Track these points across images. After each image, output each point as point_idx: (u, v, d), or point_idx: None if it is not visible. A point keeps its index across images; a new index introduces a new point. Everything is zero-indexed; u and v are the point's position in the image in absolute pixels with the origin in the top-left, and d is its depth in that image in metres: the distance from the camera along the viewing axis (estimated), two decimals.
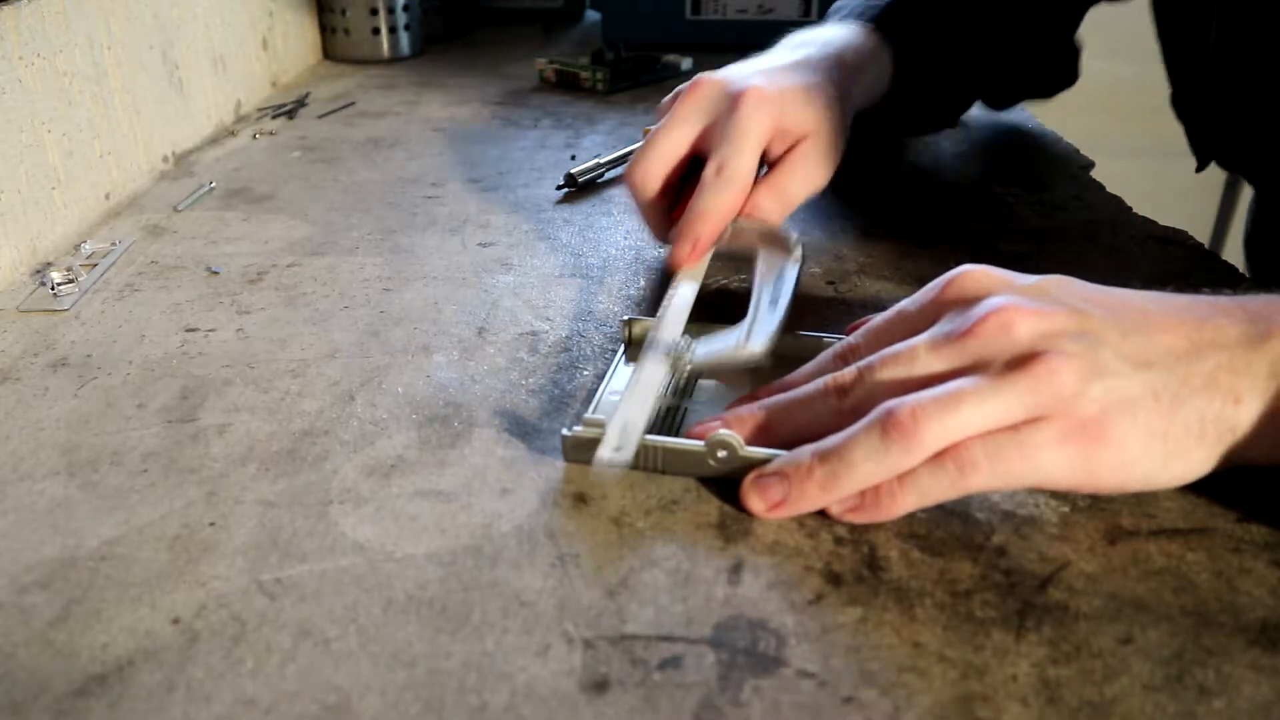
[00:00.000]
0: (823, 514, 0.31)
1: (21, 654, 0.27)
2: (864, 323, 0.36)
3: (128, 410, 0.38)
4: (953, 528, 0.31)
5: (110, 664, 0.26)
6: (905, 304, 0.34)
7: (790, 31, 0.55)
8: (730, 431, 0.32)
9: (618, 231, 0.54)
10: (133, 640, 0.27)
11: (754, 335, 0.36)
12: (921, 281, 0.34)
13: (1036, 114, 0.74)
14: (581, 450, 0.33)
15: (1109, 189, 0.59)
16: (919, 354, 0.31)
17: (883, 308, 0.36)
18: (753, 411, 0.33)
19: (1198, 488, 0.31)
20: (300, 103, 0.80)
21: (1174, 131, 0.59)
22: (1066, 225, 0.54)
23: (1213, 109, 0.54)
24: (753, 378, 0.37)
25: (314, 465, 0.34)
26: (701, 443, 0.32)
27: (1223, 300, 0.31)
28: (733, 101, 0.44)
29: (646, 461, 0.33)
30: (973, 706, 0.25)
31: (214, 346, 0.42)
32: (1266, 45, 0.48)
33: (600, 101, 0.81)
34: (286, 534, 0.31)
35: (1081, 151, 0.66)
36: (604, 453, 0.32)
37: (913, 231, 0.53)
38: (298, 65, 0.90)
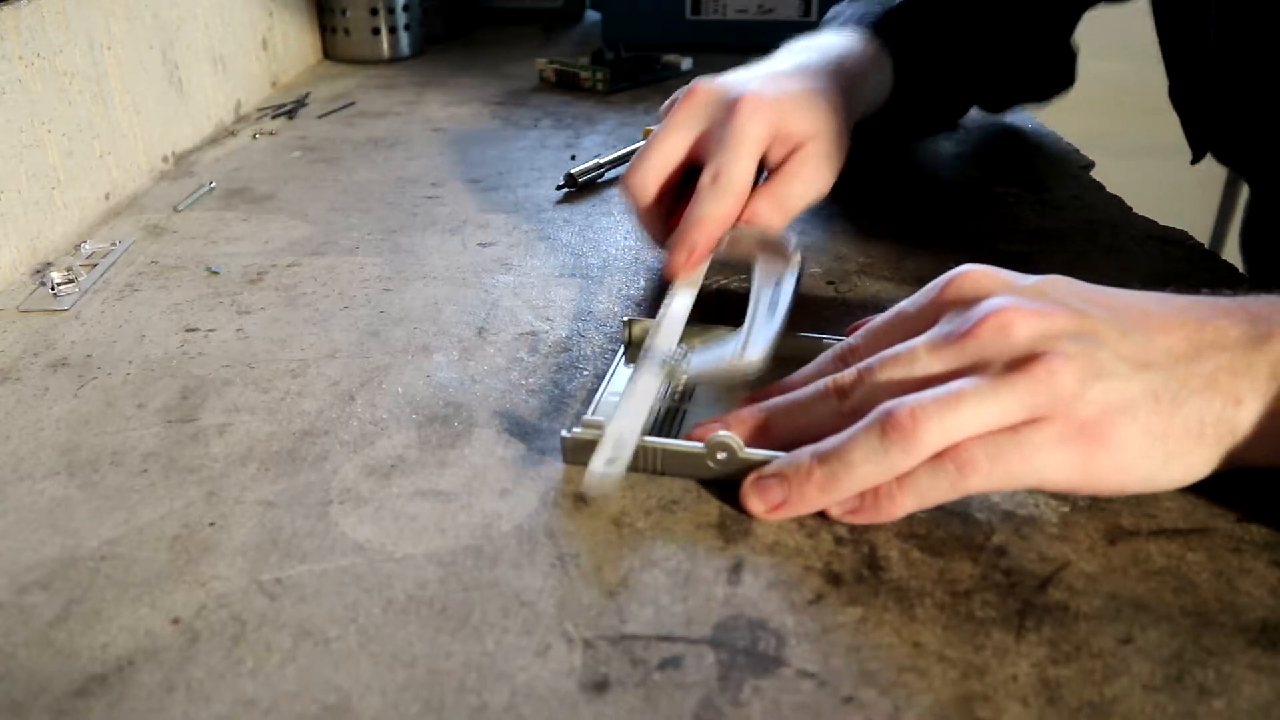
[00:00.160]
0: (823, 514, 0.31)
1: (21, 654, 0.27)
2: (864, 323, 0.36)
3: (128, 410, 0.38)
4: (953, 528, 0.31)
5: (110, 664, 0.26)
6: (905, 305, 0.34)
7: (790, 37, 0.55)
8: (730, 433, 0.32)
9: (618, 231, 0.54)
10: (133, 640, 0.27)
11: (751, 346, 0.36)
12: (921, 281, 0.34)
13: (1036, 114, 0.74)
14: (581, 452, 0.33)
15: (1109, 189, 0.59)
16: (918, 355, 0.31)
17: (883, 308, 0.36)
18: (752, 413, 0.33)
19: (1198, 488, 0.31)
20: (300, 103, 0.80)
21: (1174, 132, 0.59)
22: (1066, 225, 0.54)
23: (1210, 101, 0.54)
24: (752, 379, 0.37)
25: (314, 465, 0.34)
26: (701, 444, 0.32)
27: (1223, 301, 0.31)
28: (730, 107, 0.44)
29: (646, 463, 0.33)
30: (973, 706, 0.25)
31: (214, 346, 0.42)
32: (1264, 37, 0.48)
33: (600, 101, 0.81)
34: (286, 534, 0.31)
35: (1081, 151, 0.66)
36: (596, 466, 0.31)
37: (913, 231, 0.53)
38: (298, 65, 0.90)
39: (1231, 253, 0.67)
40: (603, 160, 0.62)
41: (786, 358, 0.37)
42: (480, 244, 0.53)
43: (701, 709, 0.25)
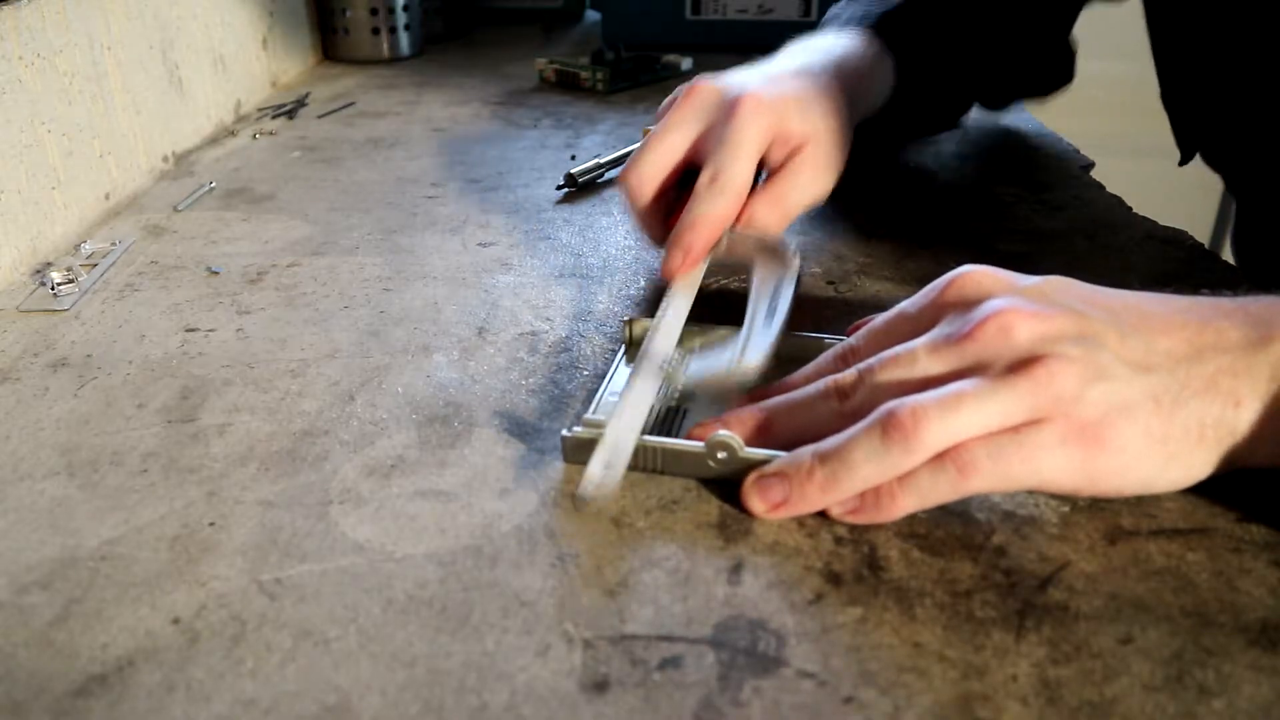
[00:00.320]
0: (823, 514, 0.31)
1: (21, 654, 0.27)
2: (864, 324, 0.36)
3: (128, 410, 0.38)
4: (953, 528, 0.31)
5: (110, 664, 0.26)
6: (905, 305, 0.34)
7: (790, 37, 0.55)
8: (730, 432, 0.32)
9: (618, 231, 0.54)
10: (133, 640, 0.27)
11: (749, 352, 0.36)
12: (922, 281, 0.34)
13: (1036, 114, 0.74)
14: (581, 451, 0.33)
15: (1109, 189, 0.59)
16: (919, 356, 0.31)
17: (883, 308, 0.36)
18: (752, 412, 0.33)
19: (1198, 488, 0.31)
20: (300, 103, 0.80)
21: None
22: (1066, 225, 0.54)
23: (1200, 103, 0.54)
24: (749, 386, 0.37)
25: (314, 465, 0.34)
26: (701, 444, 0.32)
27: (1223, 302, 0.31)
28: (729, 107, 0.43)
29: (646, 462, 0.33)
30: (973, 706, 0.25)
31: (214, 346, 0.42)
32: (1255, 40, 0.48)
33: (600, 101, 0.81)
34: (286, 534, 0.31)
35: (1081, 151, 0.66)
36: (591, 475, 0.31)
37: (913, 231, 0.53)
38: (298, 65, 0.90)
39: (1231, 253, 0.67)
40: (603, 160, 0.62)
41: (786, 358, 0.37)
42: (480, 244, 0.53)
43: (701, 709, 0.25)
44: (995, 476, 0.29)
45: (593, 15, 1.17)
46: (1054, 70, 0.66)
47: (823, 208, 0.47)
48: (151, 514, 0.32)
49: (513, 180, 0.62)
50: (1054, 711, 0.24)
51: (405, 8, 0.93)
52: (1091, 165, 0.63)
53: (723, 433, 0.32)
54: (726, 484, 0.32)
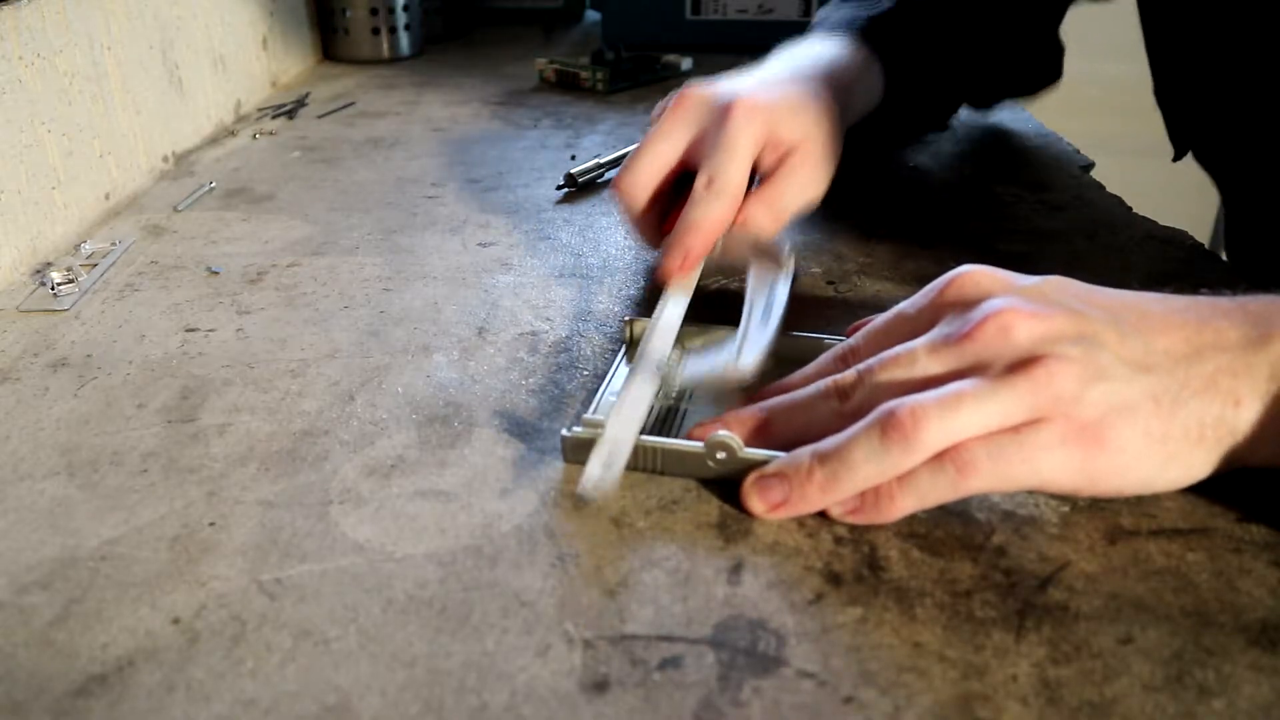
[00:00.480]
0: (823, 514, 0.31)
1: (21, 654, 0.27)
2: (864, 324, 0.36)
3: (128, 410, 0.38)
4: (953, 528, 0.31)
5: (110, 664, 0.26)
6: (905, 305, 0.34)
7: (789, 37, 0.55)
8: (729, 433, 0.32)
9: (618, 231, 0.54)
10: (133, 640, 0.27)
11: (744, 354, 0.36)
12: (922, 281, 0.34)
13: (1036, 114, 0.74)
14: (581, 450, 0.33)
15: (1109, 189, 0.59)
16: (918, 357, 0.31)
17: (883, 308, 0.36)
18: (752, 413, 0.33)
19: (1198, 488, 0.31)
20: (300, 103, 0.80)
21: None
22: (1066, 225, 0.54)
23: (1192, 99, 0.54)
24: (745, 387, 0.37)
25: (314, 465, 0.34)
26: (700, 444, 0.32)
27: (1223, 301, 0.31)
28: (722, 112, 0.43)
29: (646, 463, 0.33)
30: (973, 706, 0.25)
31: (214, 346, 0.42)
32: (1249, 36, 0.48)
33: (600, 101, 0.81)
34: (286, 534, 0.31)
35: (1081, 151, 0.66)
36: (588, 477, 0.31)
37: (913, 231, 0.53)
38: (298, 65, 0.90)
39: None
40: (603, 160, 0.62)
41: (786, 358, 0.37)
42: (480, 244, 0.53)
43: (701, 709, 0.25)
44: (995, 476, 0.29)
45: (593, 15, 1.17)
46: (1042, 69, 0.66)
47: (823, 208, 0.48)
48: (151, 514, 0.32)
49: (513, 180, 0.62)
50: (1054, 711, 0.24)
51: (405, 8, 0.93)
52: (1091, 165, 0.63)
53: (722, 433, 0.32)
54: (726, 484, 0.32)
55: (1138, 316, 0.31)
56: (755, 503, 0.31)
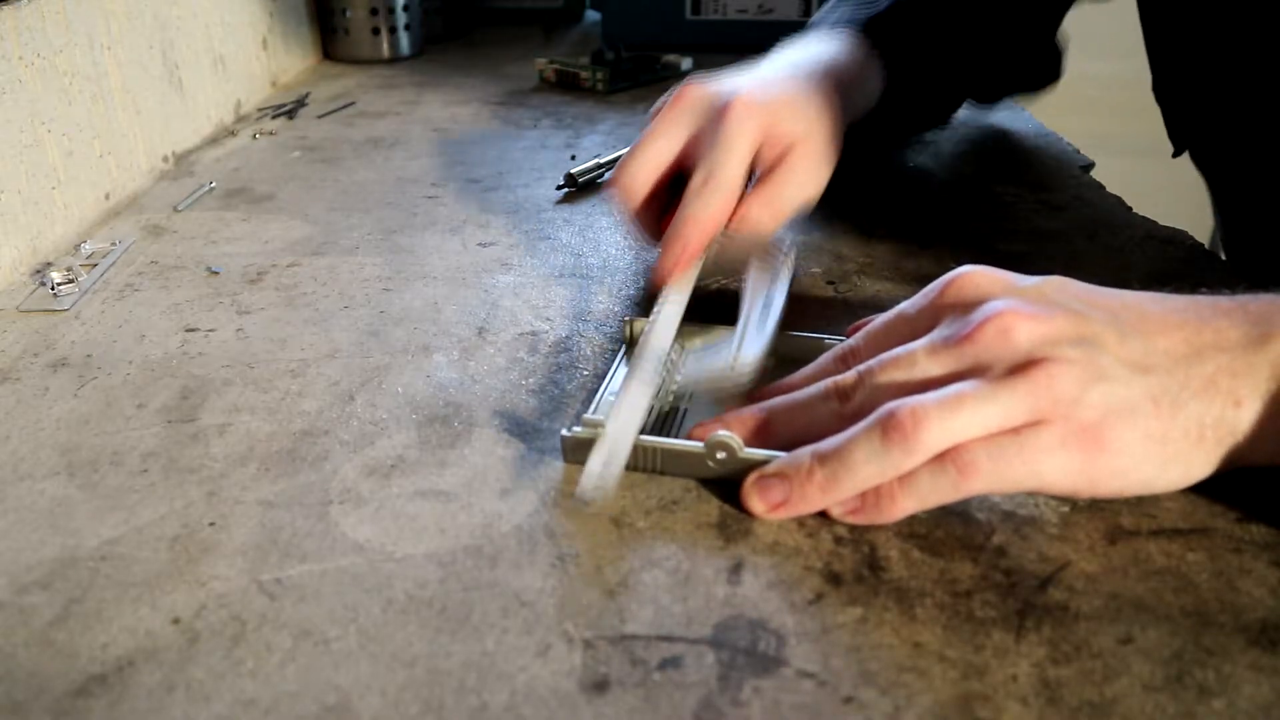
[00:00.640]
0: (823, 514, 0.31)
1: (21, 654, 0.27)
2: (863, 325, 0.36)
3: (128, 410, 0.38)
4: (953, 528, 0.31)
5: (110, 664, 0.26)
6: (904, 306, 0.34)
7: (789, 37, 0.55)
8: (729, 433, 0.32)
9: (618, 231, 0.54)
10: (133, 640, 0.27)
11: (743, 353, 0.36)
12: (922, 281, 0.34)
13: (1036, 114, 0.74)
14: (581, 450, 0.33)
15: (1109, 189, 0.59)
16: (918, 358, 0.31)
17: (883, 308, 0.36)
18: (752, 413, 0.33)
19: (1198, 488, 0.31)
20: (300, 103, 0.80)
21: None
22: (1066, 225, 0.54)
23: (1192, 95, 0.54)
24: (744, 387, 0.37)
25: (314, 465, 0.34)
26: (701, 444, 0.32)
27: (1223, 301, 0.31)
28: (721, 109, 0.43)
29: (645, 463, 0.33)
30: (973, 706, 0.25)
31: (214, 346, 0.42)
32: (1250, 30, 0.48)
33: (600, 101, 0.81)
34: (286, 534, 0.31)
35: (1081, 151, 0.66)
36: (587, 478, 0.31)
37: (913, 231, 0.53)
38: (298, 65, 0.90)
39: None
40: (603, 160, 0.62)
41: (786, 358, 0.37)
42: (480, 244, 0.53)
43: (701, 709, 0.25)
44: (995, 478, 0.29)
45: (593, 15, 1.17)
46: (1043, 67, 0.66)
47: (823, 208, 0.48)
48: (151, 514, 0.32)
49: (513, 180, 0.62)
50: (1054, 711, 0.24)
51: (405, 8, 0.93)
52: (1091, 165, 0.63)
53: (722, 433, 0.32)
54: (726, 484, 0.32)
55: (1137, 317, 0.31)
56: (755, 503, 0.31)
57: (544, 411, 0.37)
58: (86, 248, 0.51)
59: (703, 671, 0.26)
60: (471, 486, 0.33)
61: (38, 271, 0.49)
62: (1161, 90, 0.57)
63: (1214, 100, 0.52)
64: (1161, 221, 0.54)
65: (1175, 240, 0.52)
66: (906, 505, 0.30)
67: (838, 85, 0.49)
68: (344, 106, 0.79)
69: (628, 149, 0.46)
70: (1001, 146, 0.68)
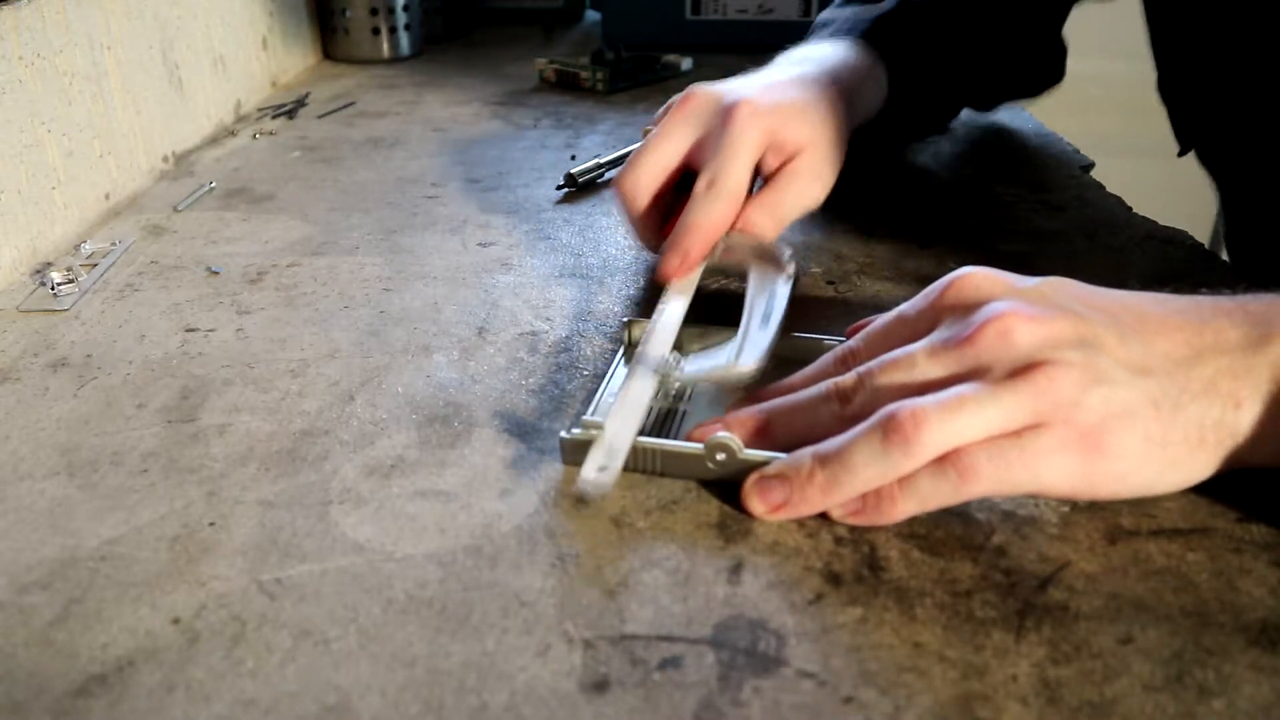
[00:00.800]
0: (823, 514, 0.31)
1: (21, 654, 0.27)
2: (863, 326, 0.36)
3: (128, 410, 0.38)
4: (953, 528, 0.31)
5: (110, 664, 0.26)
6: (905, 308, 0.34)
7: (790, 37, 0.55)
8: (729, 434, 0.32)
9: (618, 231, 0.54)
10: (133, 640, 0.27)
11: (744, 354, 0.36)
12: (922, 282, 0.34)
13: (1037, 114, 0.74)
14: (580, 452, 0.33)
15: (1109, 189, 0.59)
16: (919, 360, 0.31)
17: (883, 308, 0.36)
18: (752, 414, 0.33)
19: (1198, 488, 0.31)
20: (300, 103, 0.80)
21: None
22: (1066, 225, 0.54)
23: (1198, 93, 0.54)
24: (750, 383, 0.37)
25: (314, 465, 0.34)
26: (701, 445, 0.32)
27: (1222, 302, 0.31)
28: (726, 114, 0.44)
29: (645, 464, 0.33)
30: (973, 706, 0.25)
31: (214, 346, 0.42)
32: (1255, 27, 0.48)
33: (600, 101, 0.81)
34: (286, 534, 0.31)
35: (1081, 151, 0.66)
36: (588, 473, 0.31)
37: (913, 231, 0.53)
38: (298, 65, 0.90)
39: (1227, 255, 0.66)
40: (603, 160, 0.62)
41: (786, 359, 0.37)
42: (480, 244, 0.53)
43: (701, 709, 0.25)
44: (996, 480, 0.29)
45: (593, 15, 1.17)
46: (1045, 69, 0.66)
47: (823, 208, 0.48)
48: (151, 514, 0.32)
49: (513, 180, 0.62)
50: (1054, 711, 0.24)
51: (405, 8, 0.93)
52: (1091, 165, 0.63)
53: (722, 434, 0.32)
54: (726, 484, 0.32)
55: (1138, 319, 0.31)
56: (756, 504, 0.31)
57: (544, 411, 0.37)
58: (86, 248, 0.51)
59: (703, 671, 0.26)
60: (471, 486, 0.33)
61: (38, 271, 0.49)
62: (1167, 89, 0.57)
63: (1219, 98, 0.52)
64: (1162, 221, 0.54)
65: (1175, 240, 0.52)
66: (907, 507, 0.30)
67: (843, 91, 0.49)
68: (344, 106, 0.79)
69: (634, 147, 0.46)
70: (1001, 146, 0.68)
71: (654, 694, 0.25)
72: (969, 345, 0.30)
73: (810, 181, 0.45)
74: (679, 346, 0.40)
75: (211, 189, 0.61)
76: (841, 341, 0.36)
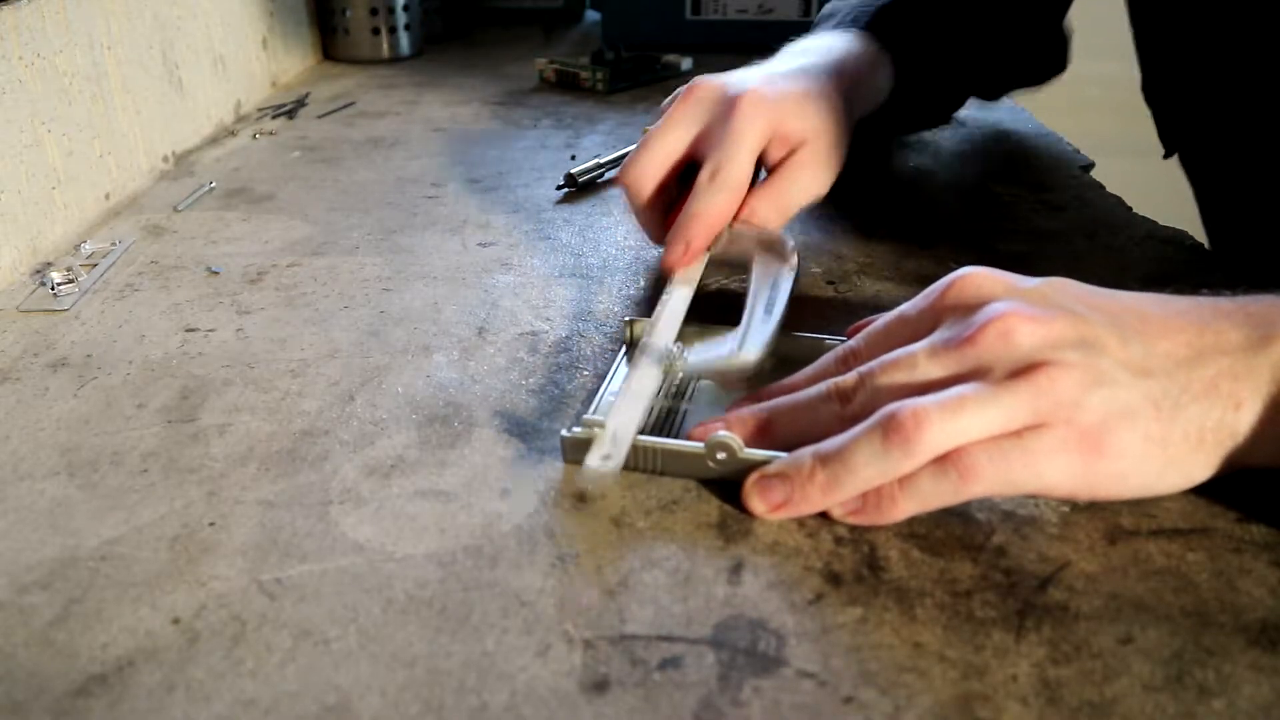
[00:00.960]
0: (823, 514, 0.31)
1: (21, 654, 0.27)
2: (863, 325, 0.36)
3: (128, 410, 0.38)
4: (953, 528, 0.31)
5: (110, 664, 0.26)
6: (905, 308, 0.34)
7: (790, 37, 0.55)
8: (730, 433, 0.32)
9: (618, 231, 0.54)
10: (133, 640, 0.27)
11: (748, 344, 0.36)
12: (922, 281, 0.34)
13: (1037, 114, 0.74)
14: (581, 451, 0.33)
15: (1109, 189, 0.59)
16: (919, 360, 0.31)
17: (883, 308, 0.36)
18: (753, 413, 0.33)
19: (1198, 488, 0.30)
20: (300, 103, 0.80)
21: None
22: (1066, 225, 0.54)
23: (1181, 96, 0.54)
24: (751, 380, 0.37)
25: (314, 465, 0.34)
26: (701, 444, 0.32)
27: (1223, 303, 0.31)
28: (730, 105, 0.44)
29: (645, 463, 0.33)
30: (973, 706, 0.25)
31: (214, 346, 0.42)
32: (1240, 30, 0.48)
33: (600, 101, 0.81)
34: (286, 534, 0.31)
35: (1081, 151, 0.66)
36: (593, 460, 0.31)
37: (913, 231, 0.53)
38: (298, 65, 0.90)
39: None
40: (603, 160, 0.62)
41: (786, 358, 0.37)
42: (480, 244, 0.53)
43: (701, 709, 0.25)
44: (996, 480, 0.29)
45: (593, 15, 1.17)
46: (1048, 58, 0.66)
47: (823, 207, 0.48)
48: (151, 514, 0.32)
49: (513, 180, 0.62)
50: (1054, 711, 0.24)
51: (405, 8, 0.93)
52: (1091, 165, 0.63)
53: (723, 433, 0.32)
54: (726, 484, 0.32)
55: (1138, 319, 0.31)
56: (756, 503, 0.31)
57: (544, 411, 0.37)
58: (86, 248, 0.51)
59: (703, 671, 0.26)
60: (471, 486, 0.33)
61: (38, 271, 0.49)
62: (1151, 92, 0.57)
63: (1203, 102, 0.52)
64: (1161, 221, 0.54)
65: (1175, 240, 0.52)
66: (907, 507, 0.30)
67: (846, 83, 0.49)
68: (344, 106, 0.79)
69: (634, 147, 0.46)
70: (1001, 146, 0.68)
71: (654, 694, 0.25)
72: (970, 345, 0.30)
73: (814, 173, 0.45)
74: (681, 341, 0.40)
75: (211, 189, 0.61)
76: (842, 341, 0.36)
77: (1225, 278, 0.47)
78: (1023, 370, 0.29)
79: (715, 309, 0.44)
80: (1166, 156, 0.58)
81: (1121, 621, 0.27)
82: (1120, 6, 0.63)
